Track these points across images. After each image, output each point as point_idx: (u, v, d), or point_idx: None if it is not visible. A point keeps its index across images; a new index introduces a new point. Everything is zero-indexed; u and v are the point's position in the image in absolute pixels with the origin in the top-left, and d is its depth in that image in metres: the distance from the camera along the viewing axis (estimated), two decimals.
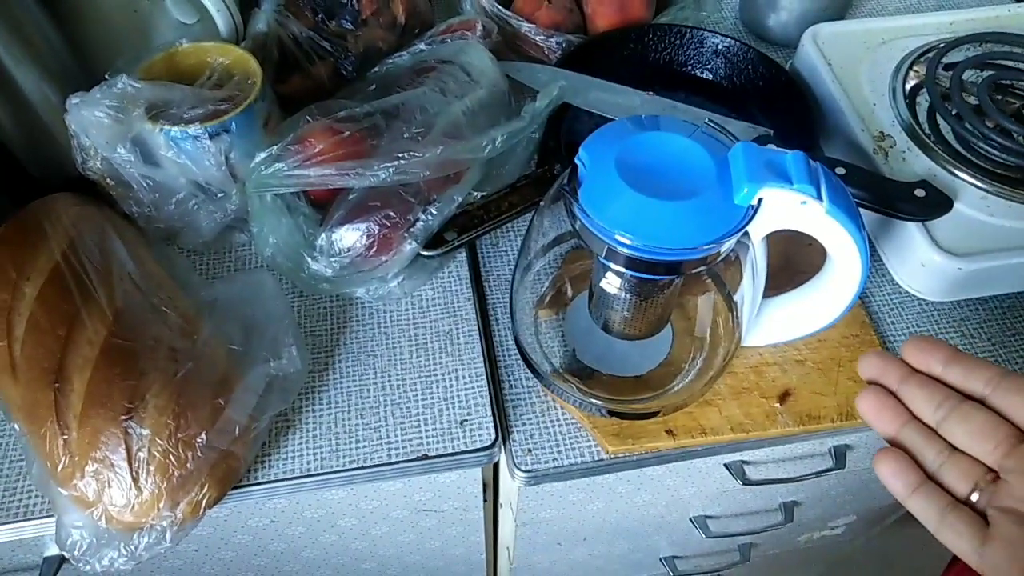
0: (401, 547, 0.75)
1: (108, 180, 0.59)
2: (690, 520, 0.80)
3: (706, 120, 0.48)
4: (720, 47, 0.76)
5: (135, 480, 0.47)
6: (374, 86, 0.66)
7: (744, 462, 0.67)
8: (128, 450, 0.47)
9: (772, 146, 0.57)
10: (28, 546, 0.58)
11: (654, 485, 0.68)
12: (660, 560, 0.93)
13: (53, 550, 0.60)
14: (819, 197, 0.43)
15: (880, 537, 1.08)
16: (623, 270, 0.46)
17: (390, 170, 0.55)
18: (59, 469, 0.47)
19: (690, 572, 0.96)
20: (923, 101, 0.69)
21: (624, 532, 0.80)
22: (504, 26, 0.75)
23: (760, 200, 0.43)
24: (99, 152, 0.57)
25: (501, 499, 0.72)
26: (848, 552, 1.13)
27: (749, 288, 0.49)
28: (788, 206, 0.44)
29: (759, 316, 0.55)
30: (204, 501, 0.49)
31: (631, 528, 0.79)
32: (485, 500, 0.68)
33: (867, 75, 0.72)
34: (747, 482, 0.66)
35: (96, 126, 0.55)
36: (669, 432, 0.56)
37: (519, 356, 0.60)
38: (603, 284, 0.51)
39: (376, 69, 0.68)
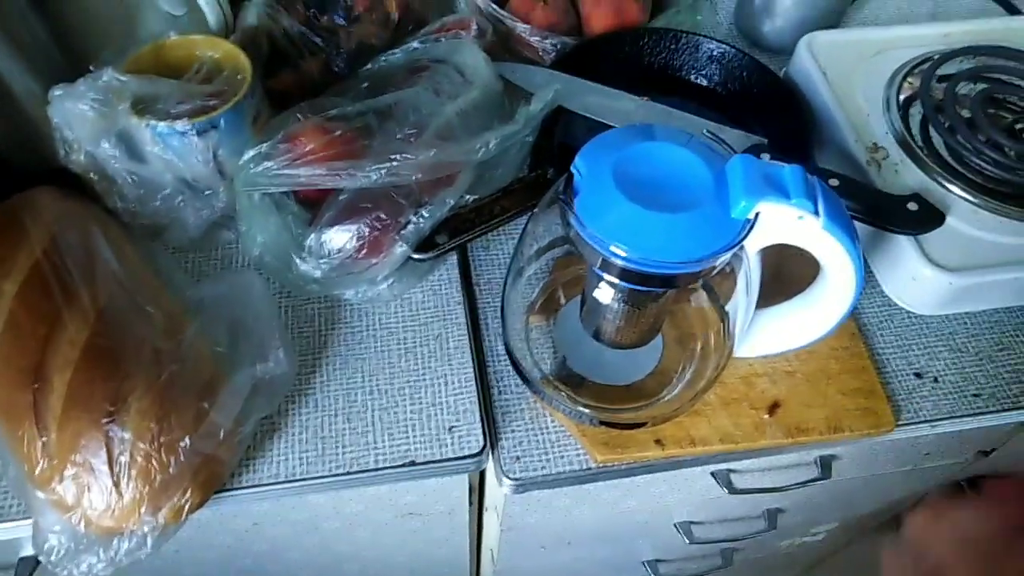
0: (385, 549, 0.75)
1: (92, 174, 0.57)
2: (674, 526, 0.80)
3: (704, 131, 0.47)
4: (715, 53, 0.75)
5: (116, 484, 0.46)
6: (366, 84, 0.65)
7: (731, 471, 0.67)
8: (109, 454, 0.46)
9: (767, 156, 0.57)
10: (3, 546, 0.57)
11: (640, 492, 0.68)
12: (642, 563, 0.93)
13: (29, 550, 0.58)
14: (816, 212, 0.43)
15: (859, 544, 1.09)
16: (617, 281, 0.45)
17: (382, 171, 0.55)
18: (37, 472, 0.46)
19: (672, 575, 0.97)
20: (916, 113, 0.69)
21: (608, 537, 0.80)
22: (499, 26, 0.74)
23: (757, 214, 0.43)
24: (82, 146, 0.55)
25: (487, 503, 0.72)
26: (826, 557, 1.14)
27: (743, 300, 0.49)
28: (785, 221, 0.43)
29: (751, 327, 0.55)
30: (186, 506, 0.48)
31: (615, 533, 0.79)
32: (471, 504, 0.68)
33: (861, 84, 0.72)
34: (733, 491, 0.66)
35: (80, 119, 0.53)
36: (658, 442, 0.55)
37: (509, 362, 0.59)
38: (596, 293, 0.50)
39: (368, 66, 0.67)
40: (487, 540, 0.81)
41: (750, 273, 0.48)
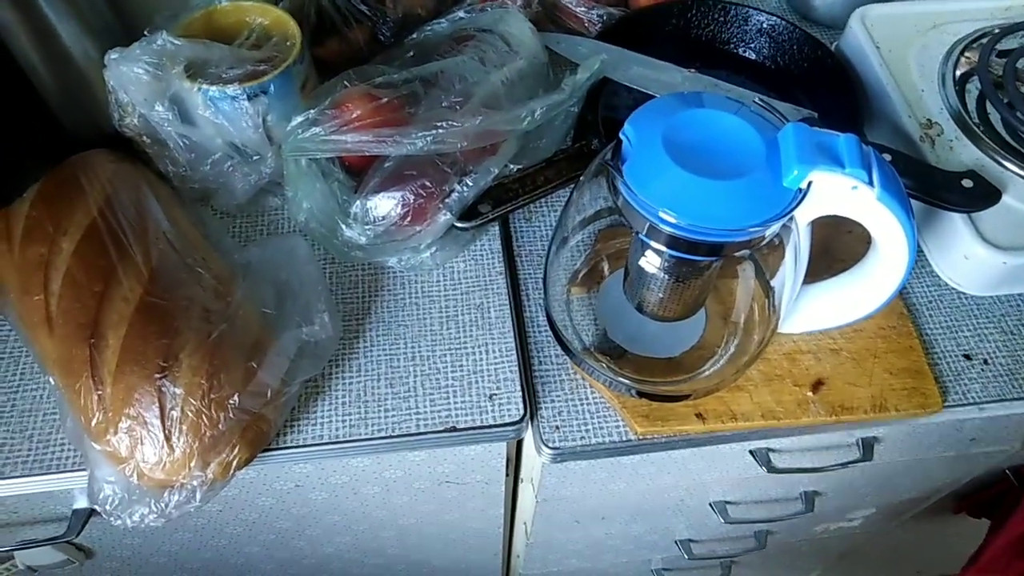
0: (421, 517, 0.76)
1: (144, 138, 0.58)
2: (710, 505, 0.79)
3: (755, 99, 0.46)
4: (765, 25, 0.74)
5: (167, 438, 0.47)
6: (412, 53, 0.65)
7: (770, 449, 0.66)
8: (161, 408, 0.47)
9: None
10: (58, 498, 0.59)
11: (677, 468, 0.68)
12: (675, 542, 0.93)
13: (82, 503, 0.61)
14: (870, 183, 0.42)
15: (894, 532, 1.08)
16: (663, 249, 0.45)
17: (428, 139, 0.55)
18: (93, 424, 0.48)
19: (704, 556, 0.97)
20: (973, 89, 0.67)
21: (643, 513, 0.80)
22: None
23: (809, 183, 0.42)
24: (136, 109, 0.56)
25: (522, 475, 0.72)
26: (860, 544, 1.13)
27: (790, 274, 0.49)
28: (838, 191, 0.43)
29: (797, 303, 0.54)
30: (234, 462, 0.49)
31: (651, 509, 0.79)
32: (507, 475, 0.68)
33: (916, 60, 0.70)
34: (772, 470, 0.66)
35: (135, 82, 0.54)
36: (699, 416, 0.55)
37: (550, 332, 0.59)
38: (641, 263, 0.50)
39: (414, 36, 0.67)
40: (521, 513, 0.82)
41: (799, 246, 0.47)
